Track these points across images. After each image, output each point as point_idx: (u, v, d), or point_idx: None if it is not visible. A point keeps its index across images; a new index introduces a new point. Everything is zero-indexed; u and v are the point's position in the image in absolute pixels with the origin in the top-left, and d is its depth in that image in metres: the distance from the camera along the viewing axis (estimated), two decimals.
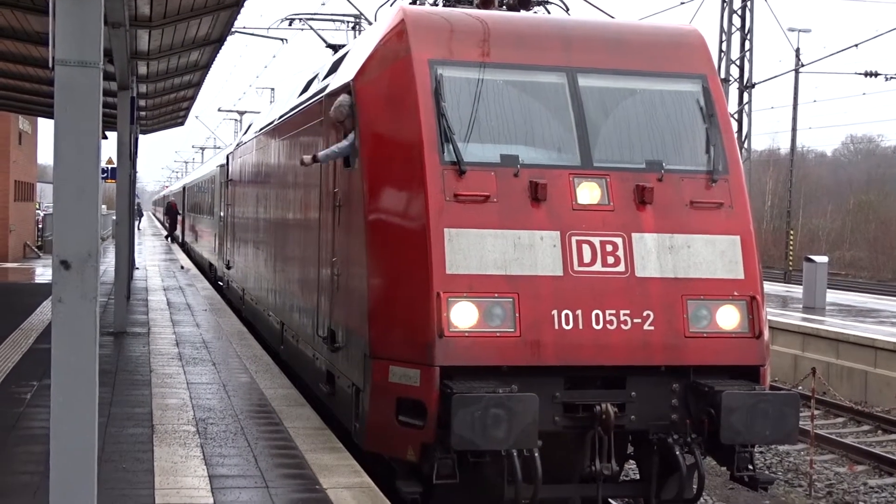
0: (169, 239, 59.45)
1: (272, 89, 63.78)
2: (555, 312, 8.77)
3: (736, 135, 23.99)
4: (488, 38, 9.66)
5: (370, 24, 16.42)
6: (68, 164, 5.63)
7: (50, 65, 5.56)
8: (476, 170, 9.03)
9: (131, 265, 26.83)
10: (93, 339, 5.73)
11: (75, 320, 5.67)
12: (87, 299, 5.68)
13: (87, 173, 5.64)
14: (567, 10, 11.66)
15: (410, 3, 11.56)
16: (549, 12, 11.50)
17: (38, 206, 50.64)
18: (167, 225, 63.59)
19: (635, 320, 8.92)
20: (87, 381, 5.76)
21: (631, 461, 10.09)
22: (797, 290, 30.96)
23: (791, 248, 45.57)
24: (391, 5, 11.95)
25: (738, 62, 34.12)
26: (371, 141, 9.61)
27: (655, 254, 9.18)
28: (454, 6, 11.00)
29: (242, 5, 14.05)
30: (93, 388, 5.79)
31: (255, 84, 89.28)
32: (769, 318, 10.93)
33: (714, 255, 9.36)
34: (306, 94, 13.43)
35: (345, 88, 10.40)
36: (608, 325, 8.84)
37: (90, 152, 5.64)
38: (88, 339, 5.72)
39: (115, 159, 23.11)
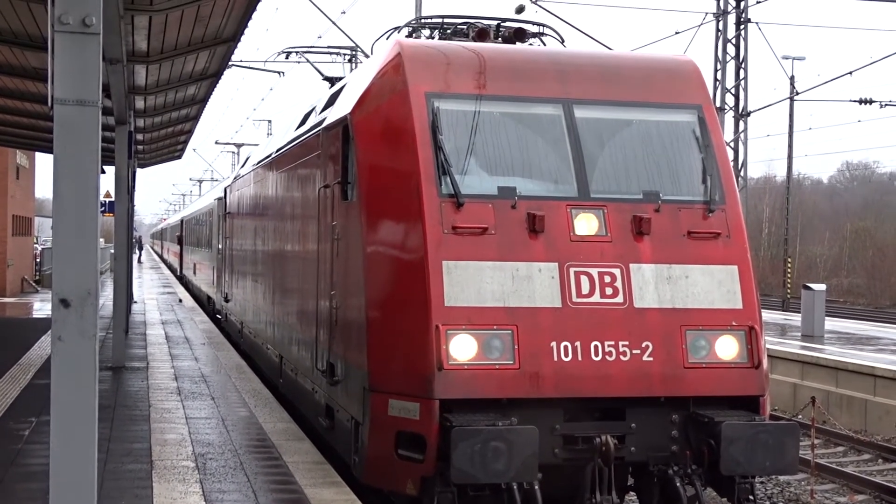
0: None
1: (269, 121, 63.98)
2: (554, 344, 8.77)
3: (732, 163, 24.04)
4: (484, 70, 9.71)
5: (367, 56, 16.49)
6: (68, 203, 5.66)
7: (49, 104, 5.59)
8: (474, 202, 9.06)
9: (130, 299, 26.81)
10: (92, 377, 5.74)
11: (75, 358, 5.68)
12: (86, 337, 5.69)
13: (86, 212, 5.66)
14: (563, 41, 11.71)
15: (406, 37, 11.61)
16: (544, 44, 11.55)
17: (35, 240, 50.61)
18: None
19: (634, 351, 8.92)
20: (86, 418, 5.76)
21: (631, 493, 10.06)
22: (796, 318, 30.94)
23: (789, 275, 45.58)
24: (387, 38, 11.98)
25: (733, 91, 34.25)
26: (369, 174, 9.64)
27: (653, 284, 9.19)
28: (450, 39, 11.06)
29: (239, 40, 14.10)
30: (92, 425, 5.78)
31: (252, 116, 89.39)
32: (768, 346, 10.93)
33: (712, 284, 9.37)
34: (304, 128, 13.47)
35: (342, 122, 10.44)
36: (607, 357, 8.84)
37: (89, 191, 5.66)
38: (88, 376, 5.73)
39: (112, 193, 23.15)
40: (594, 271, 9.07)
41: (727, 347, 9.22)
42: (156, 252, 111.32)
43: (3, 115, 21.73)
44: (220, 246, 26.11)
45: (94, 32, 5.67)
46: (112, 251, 25.03)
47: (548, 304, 8.90)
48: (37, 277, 43.86)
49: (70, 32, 5.64)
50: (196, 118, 23.46)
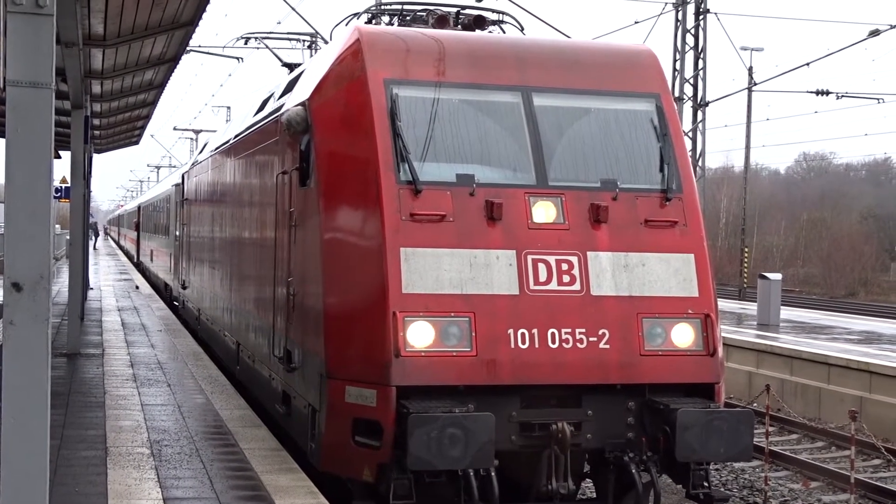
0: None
1: (228, 108, 63.51)
2: (511, 331, 8.78)
3: (690, 153, 24.15)
4: (444, 57, 9.69)
5: (326, 43, 16.42)
6: (20, 186, 5.61)
7: (1, 85, 5.53)
8: (432, 189, 9.05)
9: (86, 285, 26.58)
10: (44, 361, 5.69)
11: (27, 342, 5.63)
12: (38, 321, 5.65)
13: (38, 195, 5.61)
14: (522, 29, 11.71)
15: (366, 23, 11.57)
16: (504, 32, 11.55)
17: None
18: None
19: (591, 339, 8.95)
20: (38, 403, 5.72)
21: (587, 480, 10.11)
22: (752, 307, 31.19)
23: (745, 265, 45.92)
24: (347, 25, 11.93)
25: (691, 81, 34.43)
26: (327, 160, 9.61)
27: (610, 272, 9.22)
28: (409, 26, 11.03)
29: (197, 24, 14.00)
30: (44, 410, 5.73)
31: (210, 103, 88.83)
32: (724, 335, 11.01)
33: (668, 273, 9.42)
34: (262, 114, 13.40)
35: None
36: (564, 344, 8.87)
37: (42, 174, 5.61)
38: (40, 361, 5.68)
39: (69, 178, 22.93)
40: (552, 259, 9.09)
41: (683, 335, 9.27)
42: (112, 239, 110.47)
43: None
44: (177, 233, 25.95)
45: (47, 14, 5.62)
46: (68, 237, 24.80)
47: (505, 291, 8.91)
48: None
49: (23, 13, 5.58)
50: (154, 103, 23.28)
